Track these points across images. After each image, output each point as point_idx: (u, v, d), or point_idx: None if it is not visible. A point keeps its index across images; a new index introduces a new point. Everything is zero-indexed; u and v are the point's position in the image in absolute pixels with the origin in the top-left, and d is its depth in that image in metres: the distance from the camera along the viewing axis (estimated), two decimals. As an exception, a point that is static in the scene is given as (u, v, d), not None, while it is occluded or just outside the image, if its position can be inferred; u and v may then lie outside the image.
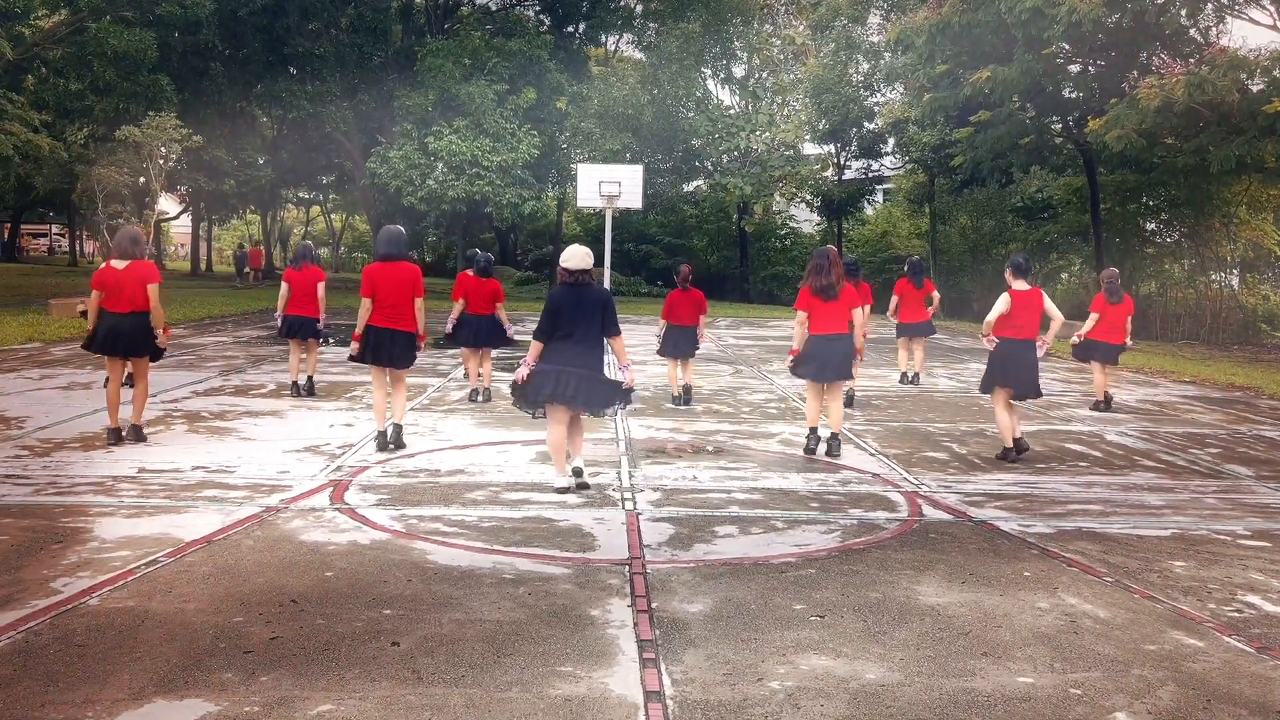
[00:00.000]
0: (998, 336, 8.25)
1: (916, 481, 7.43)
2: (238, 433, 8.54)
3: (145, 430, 8.06)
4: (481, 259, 10.86)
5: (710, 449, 8.52)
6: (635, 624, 4.32)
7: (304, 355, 10.85)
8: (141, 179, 26.05)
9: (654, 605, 4.57)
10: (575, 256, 6.73)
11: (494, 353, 11.60)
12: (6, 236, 51.86)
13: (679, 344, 10.82)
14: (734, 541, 5.69)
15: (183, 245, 66.35)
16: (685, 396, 10.95)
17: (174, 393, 10.61)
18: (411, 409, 10.03)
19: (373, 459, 7.60)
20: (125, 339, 7.76)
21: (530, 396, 6.72)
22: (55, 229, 63.48)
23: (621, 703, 3.56)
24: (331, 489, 6.61)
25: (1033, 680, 3.86)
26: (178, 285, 33.72)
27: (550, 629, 4.23)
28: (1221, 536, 6.13)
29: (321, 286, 10.67)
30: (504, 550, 5.35)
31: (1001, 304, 8.25)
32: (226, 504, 6.13)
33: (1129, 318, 11.36)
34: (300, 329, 10.60)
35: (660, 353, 11.06)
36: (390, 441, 7.92)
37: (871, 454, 8.46)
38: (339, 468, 7.28)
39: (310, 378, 10.78)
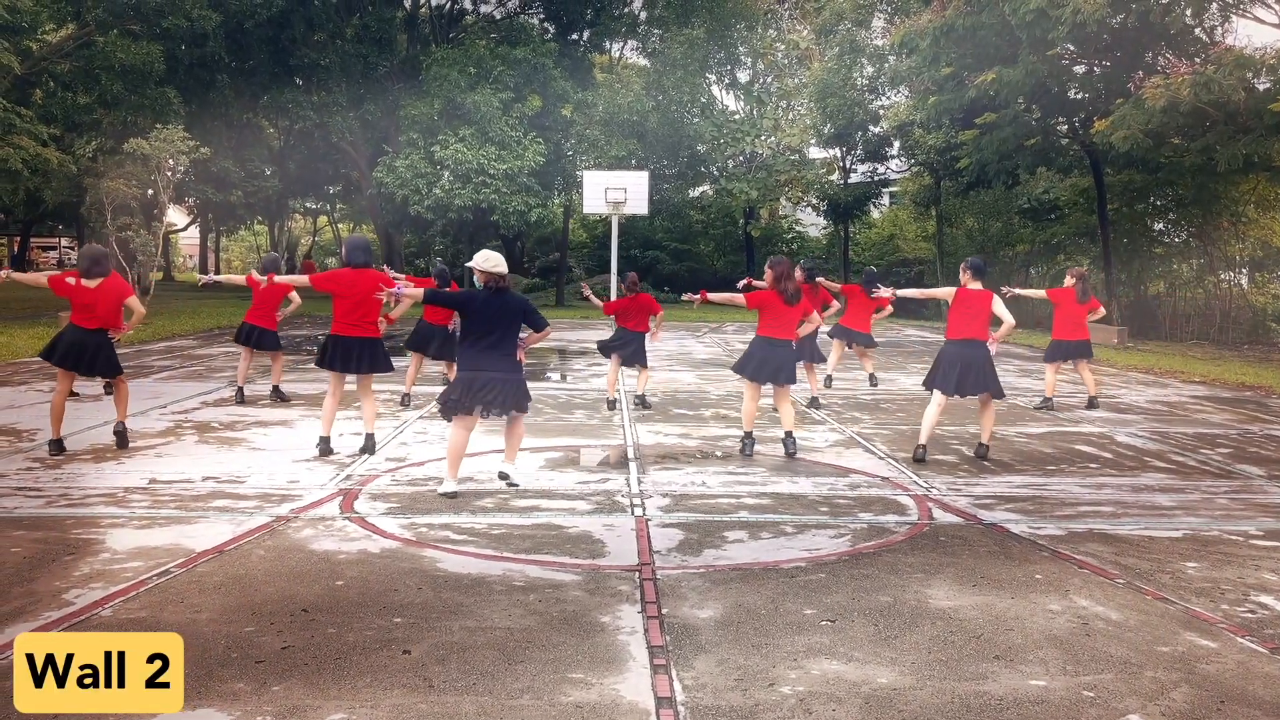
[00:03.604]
0: (946, 338, 8.48)
1: (926, 485, 7.41)
2: (247, 443, 8.57)
3: (131, 434, 8.30)
4: None
5: (718, 454, 8.51)
6: (646, 630, 4.32)
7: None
8: (150, 191, 26.11)
9: (664, 611, 4.57)
10: (496, 259, 6.74)
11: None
12: (16, 250, 52.04)
13: (628, 346, 10.85)
14: (744, 546, 5.69)
15: (191, 256, 66.66)
16: (642, 401, 11.02)
17: (184, 403, 10.65)
18: (420, 416, 10.06)
19: (382, 467, 7.62)
20: (89, 355, 7.83)
21: (454, 404, 6.70)
22: (64, 242, 63.71)
23: (633, 709, 3.56)
24: (341, 498, 6.63)
25: (1045, 683, 3.85)
26: (186, 296, 33.88)
27: (561, 636, 4.24)
28: (1234, 537, 6.10)
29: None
30: (514, 557, 5.36)
31: (947, 294, 8.56)
32: (237, 514, 6.15)
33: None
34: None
35: (608, 350, 11.00)
36: (365, 450, 8.05)
37: (880, 457, 8.44)
38: (348, 476, 7.30)
39: (276, 386, 11.13)
